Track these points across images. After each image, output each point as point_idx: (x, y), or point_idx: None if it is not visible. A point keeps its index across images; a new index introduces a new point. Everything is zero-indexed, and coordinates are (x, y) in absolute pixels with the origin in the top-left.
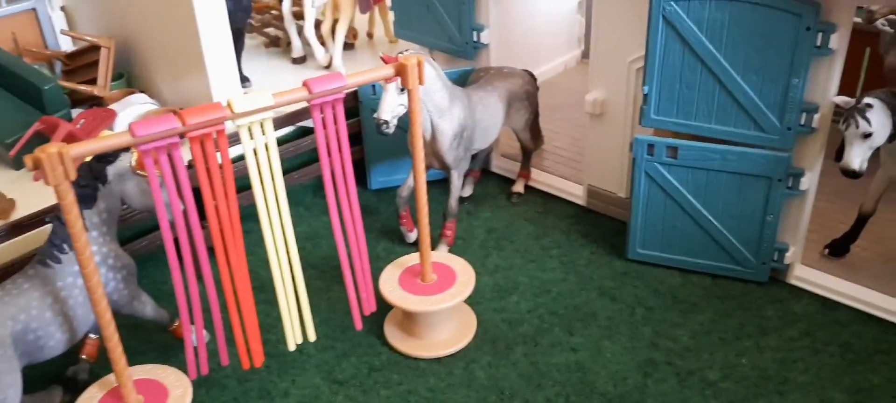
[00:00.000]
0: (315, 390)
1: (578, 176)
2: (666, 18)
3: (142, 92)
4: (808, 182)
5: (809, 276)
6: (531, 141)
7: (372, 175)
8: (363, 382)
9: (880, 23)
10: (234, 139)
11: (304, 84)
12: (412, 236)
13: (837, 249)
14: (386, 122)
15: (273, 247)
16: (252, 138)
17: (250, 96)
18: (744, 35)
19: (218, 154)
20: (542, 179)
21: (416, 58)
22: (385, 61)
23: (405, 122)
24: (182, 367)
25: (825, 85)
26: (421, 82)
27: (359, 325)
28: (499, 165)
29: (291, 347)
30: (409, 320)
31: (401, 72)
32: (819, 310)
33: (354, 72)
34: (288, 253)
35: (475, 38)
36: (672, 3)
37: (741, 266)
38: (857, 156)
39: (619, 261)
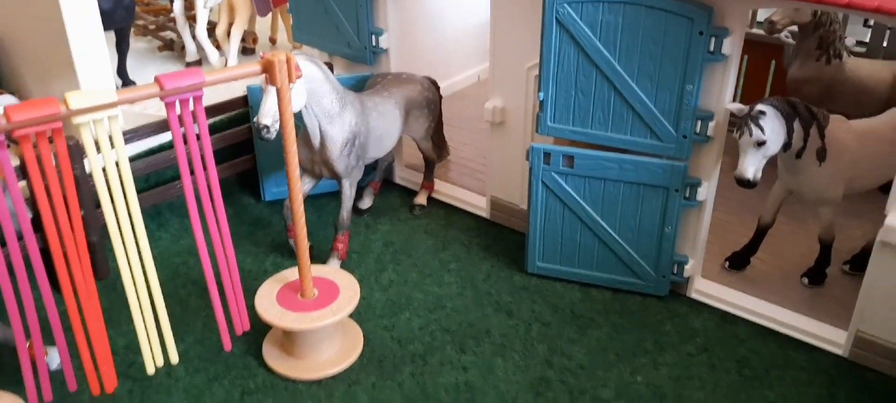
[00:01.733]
0: None
1: (483, 187)
2: (559, 21)
3: (11, 93)
4: (706, 192)
5: (709, 290)
6: (434, 151)
7: (265, 185)
8: None
9: (783, 36)
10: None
11: (156, 79)
12: None
13: (737, 262)
14: (266, 127)
15: (125, 262)
16: (96, 139)
17: (91, 92)
18: (638, 40)
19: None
20: (447, 191)
21: (284, 54)
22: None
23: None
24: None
25: (720, 92)
26: (291, 80)
27: (228, 346)
28: (402, 176)
29: (150, 370)
30: (289, 339)
31: (267, 68)
32: (718, 325)
33: (217, 70)
34: (143, 268)
35: (374, 43)
36: (565, 4)
37: (641, 279)
38: (750, 165)
39: (519, 275)
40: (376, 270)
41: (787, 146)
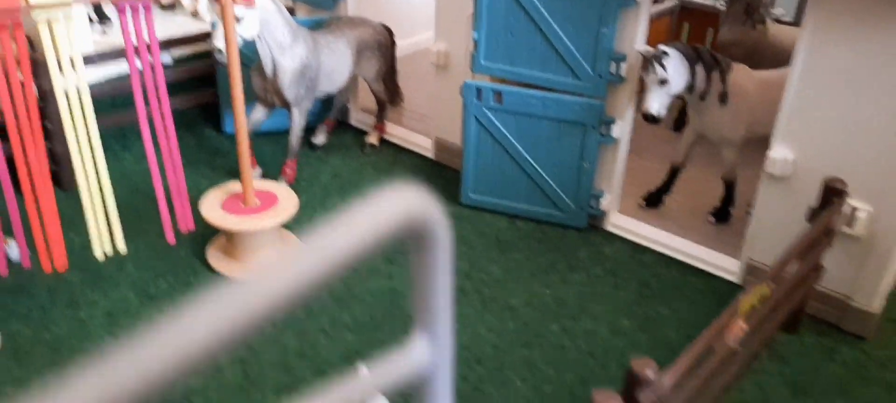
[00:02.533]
0: (125, 302)
1: (429, 130)
2: None
3: None
4: (620, 130)
5: (624, 224)
6: (385, 94)
7: (226, 118)
8: (175, 298)
9: (718, 3)
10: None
11: None
12: (256, 174)
13: (652, 200)
14: (220, 50)
15: (76, 151)
16: (53, 35)
17: None
18: None
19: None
20: (397, 133)
21: None
22: None
23: (249, 59)
24: None
25: (632, 35)
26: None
27: (171, 239)
28: (357, 119)
29: (98, 255)
30: (231, 244)
31: None
32: (628, 253)
33: None
34: (93, 158)
35: None
36: None
37: (562, 212)
38: (654, 101)
39: (454, 206)
40: (322, 197)
41: (690, 88)
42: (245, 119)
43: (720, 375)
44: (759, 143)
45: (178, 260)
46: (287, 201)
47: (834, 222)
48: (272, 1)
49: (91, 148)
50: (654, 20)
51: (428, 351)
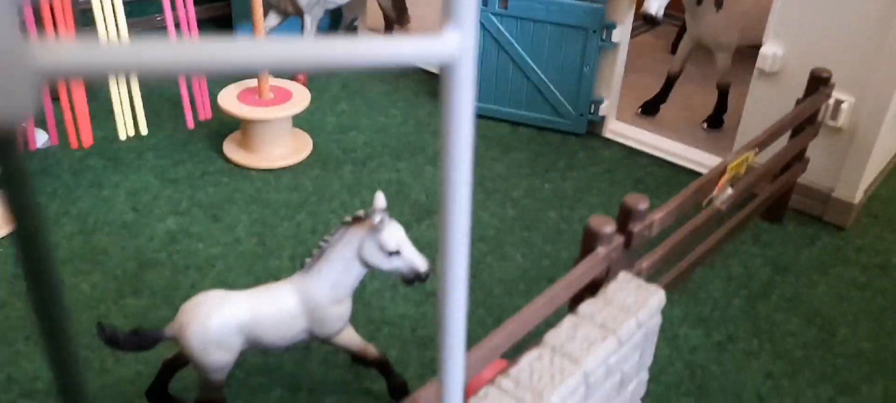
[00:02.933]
0: (146, 184)
1: None
2: None
3: None
4: (620, 35)
5: (621, 130)
6: (393, 11)
7: (238, 31)
8: (194, 182)
9: None
10: None
11: None
12: None
13: (649, 109)
14: None
15: (104, 34)
16: None
17: None
18: None
19: None
20: None
21: None
22: None
23: None
24: None
25: None
26: None
27: (190, 123)
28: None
29: (122, 136)
30: (246, 136)
31: None
32: (624, 156)
33: None
34: (119, 34)
35: None
36: None
37: (562, 118)
38: (654, 2)
39: None
40: (331, 102)
41: None
42: (262, 18)
43: (705, 233)
44: (752, 53)
45: (196, 148)
46: (300, 97)
47: (818, 109)
48: None
49: (118, 32)
50: None
51: (456, 40)
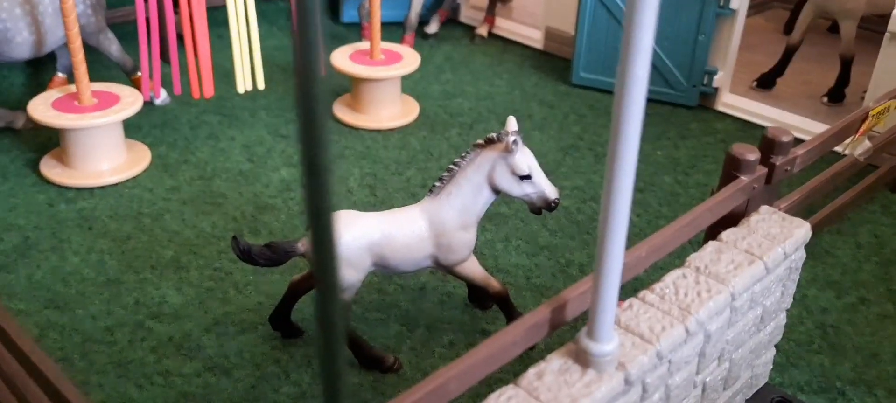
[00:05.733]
0: (260, 138)
1: (539, 22)
2: None
3: None
4: (738, 1)
5: (735, 102)
6: None
7: (344, 7)
8: None
9: None
10: None
11: None
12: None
13: (765, 82)
14: None
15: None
16: None
17: None
18: None
19: None
20: (507, 26)
21: None
22: None
23: None
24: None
25: None
26: None
27: None
28: (467, 15)
29: (241, 89)
30: (356, 97)
31: None
32: (739, 128)
33: None
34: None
35: None
36: None
37: (674, 89)
38: None
39: (564, 85)
40: (436, 72)
41: None
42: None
43: (843, 185)
44: (877, 31)
45: None
46: (410, 59)
47: None
48: None
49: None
50: None
51: None
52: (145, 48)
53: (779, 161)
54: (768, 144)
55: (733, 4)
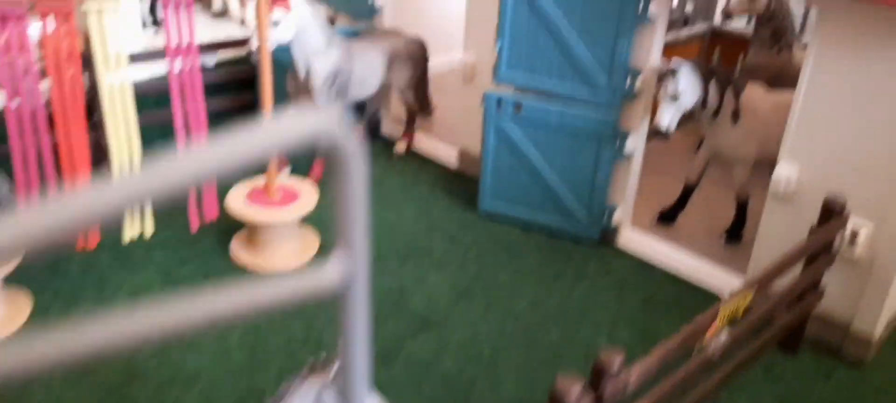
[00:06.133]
0: (149, 285)
1: (456, 140)
2: None
3: None
4: (634, 144)
5: (635, 239)
6: (415, 103)
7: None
8: (196, 283)
9: (746, 29)
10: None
11: None
12: (284, 173)
13: (666, 218)
14: (251, 52)
15: (115, 140)
16: (102, 29)
17: None
18: None
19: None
20: (425, 144)
21: None
22: None
23: (288, 63)
24: None
25: (648, 50)
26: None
27: (195, 226)
28: (388, 129)
29: (126, 238)
30: (252, 236)
31: None
32: (636, 268)
33: None
34: (130, 146)
35: (370, 1)
36: None
37: (575, 224)
38: (666, 115)
39: (472, 214)
40: None
41: (703, 104)
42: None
43: (696, 382)
44: (772, 167)
45: (202, 248)
46: (308, 197)
47: (832, 239)
48: (308, 9)
49: (129, 137)
50: (685, 44)
51: (345, 266)
52: (24, 181)
53: (608, 389)
54: (598, 371)
55: (629, 147)
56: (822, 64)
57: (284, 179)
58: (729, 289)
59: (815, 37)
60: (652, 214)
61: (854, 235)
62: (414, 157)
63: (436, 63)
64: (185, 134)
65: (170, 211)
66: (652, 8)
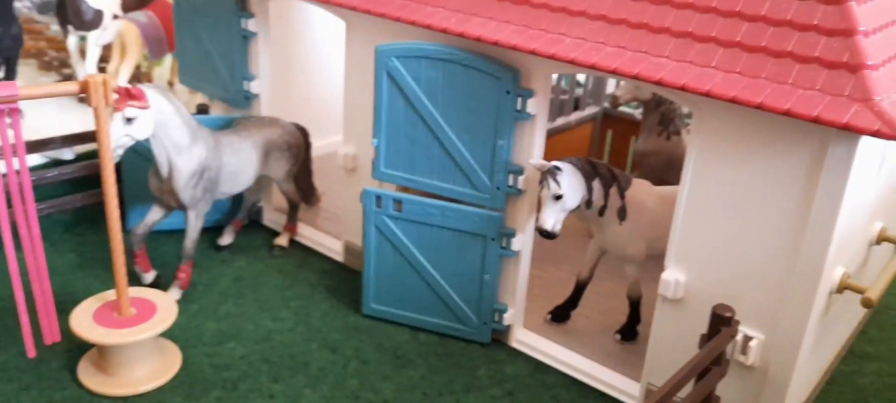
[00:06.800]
0: None
1: (341, 231)
2: (389, 74)
3: None
4: (521, 243)
5: (529, 340)
6: (296, 194)
7: (130, 214)
8: None
9: (636, 111)
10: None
11: None
12: (149, 277)
13: (559, 315)
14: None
15: None
16: None
17: None
18: (457, 95)
19: None
20: (309, 235)
21: (102, 77)
22: (116, 92)
23: (149, 154)
24: None
25: (529, 148)
26: (117, 106)
27: (31, 352)
28: (270, 219)
29: None
30: (103, 356)
31: (84, 88)
32: (530, 373)
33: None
34: None
35: (246, 88)
36: (394, 58)
37: (465, 325)
38: (550, 217)
39: (355, 316)
40: (217, 302)
41: (588, 203)
42: (118, 224)
43: None
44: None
45: (47, 372)
46: (166, 311)
47: (723, 350)
48: (169, 101)
49: None
50: (576, 128)
51: None
52: None
53: None
54: None
55: (515, 246)
56: (701, 167)
57: (142, 288)
58: (625, 393)
59: (694, 139)
60: (545, 311)
61: (746, 343)
62: (297, 250)
63: (321, 145)
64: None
65: (10, 328)
66: (530, 106)
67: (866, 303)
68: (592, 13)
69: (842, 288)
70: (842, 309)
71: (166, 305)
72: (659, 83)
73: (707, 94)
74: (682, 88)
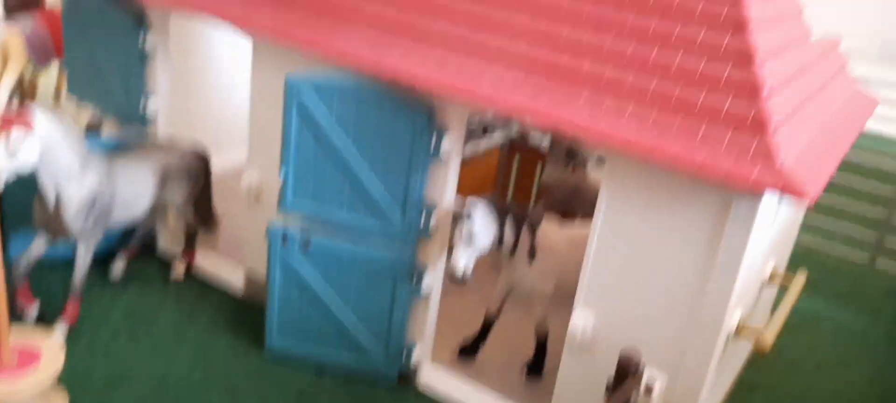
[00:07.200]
0: None
1: (243, 259)
2: (300, 104)
3: None
4: (432, 281)
5: (436, 379)
6: (196, 220)
7: (11, 242)
8: None
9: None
10: None
11: None
12: (32, 313)
13: (467, 352)
14: None
15: None
16: None
17: None
18: (370, 130)
19: None
20: (208, 263)
21: None
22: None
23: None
24: None
25: (443, 186)
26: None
27: None
28: (166, 246)
29: None
30: None
31: None
32: None
33: None
34: None
35: (142, 107)
36: (305, 89)
37: (373, 364)
38: (462, 259)
39: (258, 356)
40: (108, 339)
41: (499, 243)
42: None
43: None
44: (573, 298)
45: None
46: (52, 355)
47: (628, 397)
48: (57, 126)
49: None
50: (484, 155)
51: None
52: None
53: None
54: None
55: (426, 284)
56: (612, 213)
57: (24, 329)
58: None
59: (605, 185)
60: (453, 347)
61: (649, 390)
62: (195, 281)
63: (222, 162)
64: None
65: None
66: (444, 145)
67: (760, 349)
68: (511, 53)
69: (739, 332)
70: (735, 347)
71: (51, 349)
72: (575, 132)
73: (623, 146)
74: (599, 138)
